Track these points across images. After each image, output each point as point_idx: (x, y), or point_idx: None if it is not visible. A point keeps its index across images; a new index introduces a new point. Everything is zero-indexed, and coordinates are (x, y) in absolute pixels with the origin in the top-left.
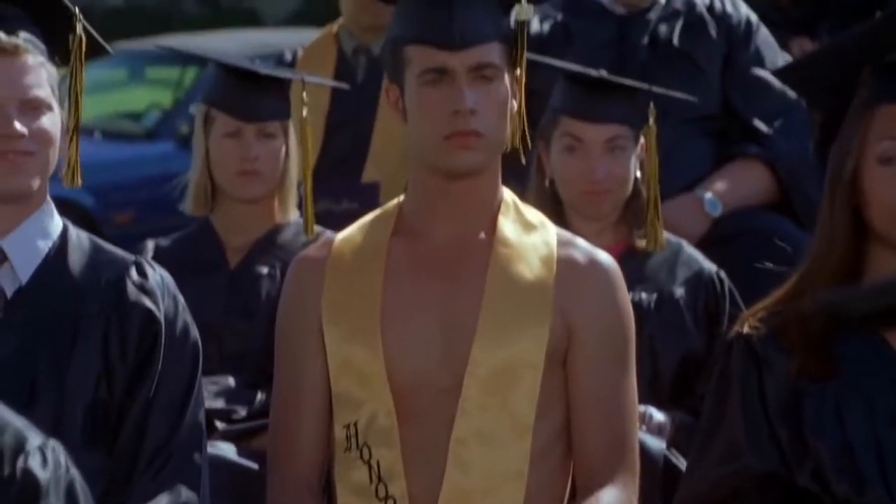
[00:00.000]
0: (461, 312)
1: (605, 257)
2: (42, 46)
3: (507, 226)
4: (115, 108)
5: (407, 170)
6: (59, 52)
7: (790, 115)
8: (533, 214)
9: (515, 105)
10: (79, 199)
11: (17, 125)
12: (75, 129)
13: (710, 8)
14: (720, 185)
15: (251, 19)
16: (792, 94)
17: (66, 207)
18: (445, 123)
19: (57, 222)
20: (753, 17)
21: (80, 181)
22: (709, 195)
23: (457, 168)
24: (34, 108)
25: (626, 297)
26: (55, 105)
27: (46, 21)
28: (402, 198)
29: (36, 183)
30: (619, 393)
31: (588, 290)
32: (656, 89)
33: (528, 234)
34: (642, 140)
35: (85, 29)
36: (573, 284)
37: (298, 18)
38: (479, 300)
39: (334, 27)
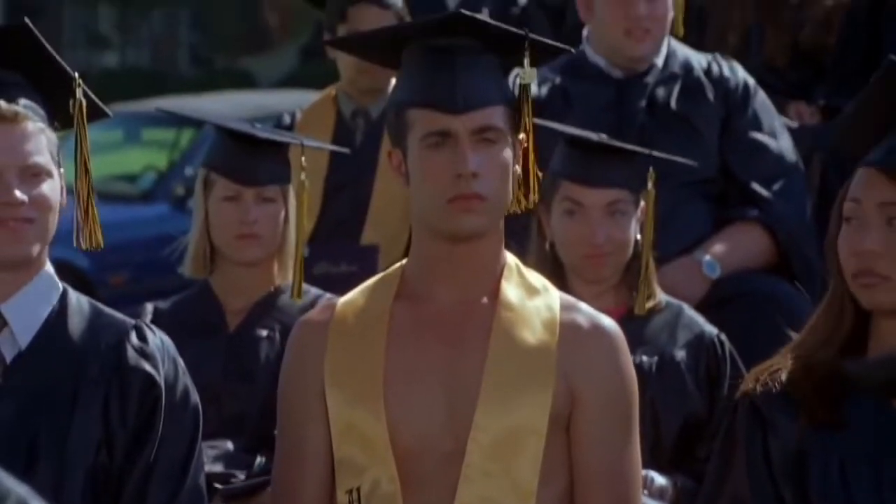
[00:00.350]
0: (464, 377)
1: (608, 322)
2: (42, 112)
3: (510, 290)
4: (110, 170)
5: (406, 232)
6: (58, 116)
7: (788, 178)
8: (536, 278)
9: (518, 168)
10: (73, 261)
11: (17, 193)
12: (90, 193)
13: (708, 72)
14: (718, 247)
15: (245, 81)
16: (789, 157)
17: (61, 269)
18: (448, 187)
19: (56, 286)
20: (751, 81)
21: (100, 240)
22: (707, 258)
23: (459, 231)
24: (34, 174)
25: (629, 362)
26: (55, 171)
27: (46, 86)
28: (404, 261)
29: (36, 249)
30: (623, 458)
31: (591, 354)
32: (657, 154)
33: (531, 298)
34: (643, 203)
35: (85, 93)
36: (576, 349)
37: (292, 80)
38: (482, 365)
39: (333, 90)
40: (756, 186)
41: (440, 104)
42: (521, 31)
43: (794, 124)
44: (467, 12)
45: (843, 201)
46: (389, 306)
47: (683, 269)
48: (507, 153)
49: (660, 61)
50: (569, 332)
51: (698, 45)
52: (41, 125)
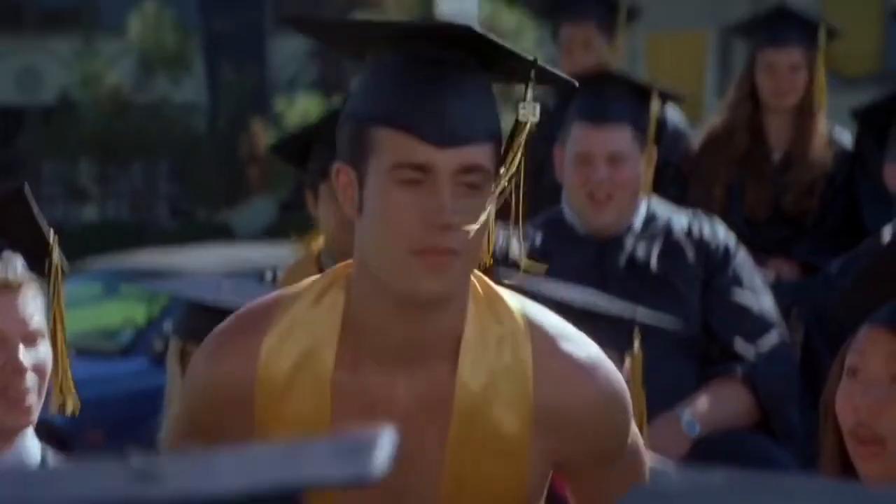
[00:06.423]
0: (421, 476)
1: (589, 370)
2: (31, 273)
3: (470, 366)
4: (89, 325)
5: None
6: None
7: (770, 336)
8: (505, 315)
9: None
10: (49, 417)
11: (24, 361)
12: (62, 356)
13: (689, 232)
14: (700, 405)
15: (224, 233)
16: (771, 316)
17: (37, 426)
18: (416, 236)
19: (35, 450)
20: (732, 241)
21: (76, 406)
22: (687, 416)
23: (420, 293)
24: (34, 338)
25: (620, 408)
26: (47, 330)
27: (24, 242)
28: (341, 299)
29: (35, 417)
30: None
31: (573, 422)
32: (640, 318)
33: (497, 368)
34: (627, 364)
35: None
36: (555, 421)
37: (271, 233)
38: (442, 458)
39: (315, 249)
40: (738, 345)
41: (421, 131)
42: (529, 58)
43: (773, 277)
44: (479, 29)
45: (844, 357)
46: (330, 376)
47: (664, 426)
48: (490, 200)
49: (638, 222)
50: (544, 411)
51: (680, 200)
52: (36, 285)
